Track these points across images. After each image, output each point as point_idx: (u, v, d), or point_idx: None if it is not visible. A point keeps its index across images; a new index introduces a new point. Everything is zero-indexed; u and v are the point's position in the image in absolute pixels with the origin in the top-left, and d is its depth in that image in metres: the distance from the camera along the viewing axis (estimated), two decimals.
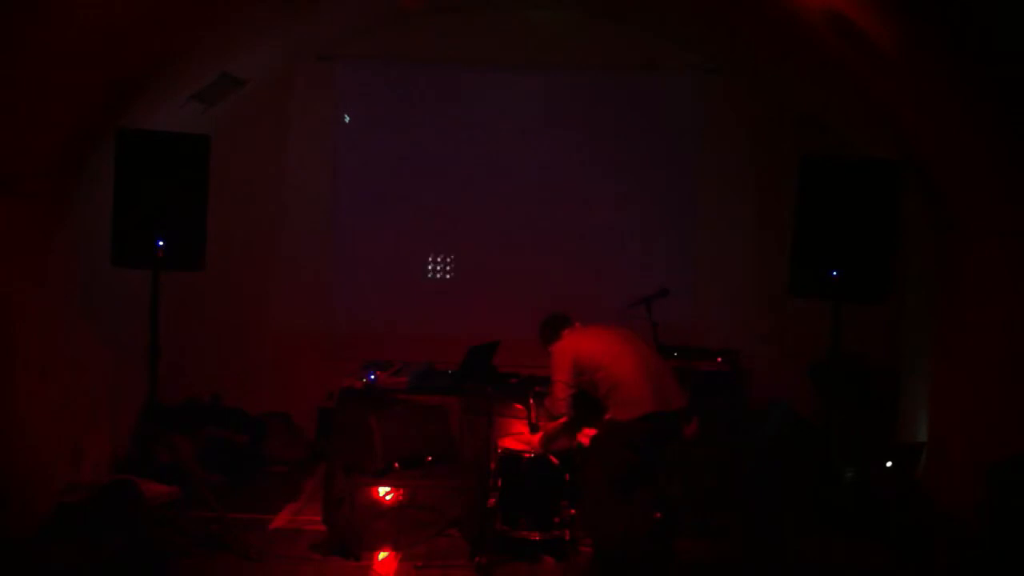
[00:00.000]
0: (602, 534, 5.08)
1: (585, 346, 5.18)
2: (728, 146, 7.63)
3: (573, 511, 5.31)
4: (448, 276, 7.75)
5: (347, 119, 7.73)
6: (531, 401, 5.61)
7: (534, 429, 5.55)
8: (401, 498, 5.95)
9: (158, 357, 5.89)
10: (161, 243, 5.65)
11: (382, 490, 5.89)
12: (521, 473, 5.33)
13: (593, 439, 5.23)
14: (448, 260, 7.76)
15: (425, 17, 7.40)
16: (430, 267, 7.76)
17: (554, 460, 5.34)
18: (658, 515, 5.25)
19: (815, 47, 5.75)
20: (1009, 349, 5.35)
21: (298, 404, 7.44)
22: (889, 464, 6.20)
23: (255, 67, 7.01)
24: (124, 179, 5.63)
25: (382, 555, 5.38)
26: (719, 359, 6.86)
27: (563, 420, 5.26)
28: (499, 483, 5.30)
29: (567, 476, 5.32)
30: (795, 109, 7.30)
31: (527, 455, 5.38)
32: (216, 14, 5.76)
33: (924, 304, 6.44)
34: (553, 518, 5.29)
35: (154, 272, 5.78)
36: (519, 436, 5.66)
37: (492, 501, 5.22)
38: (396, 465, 5.81)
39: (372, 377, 5.74)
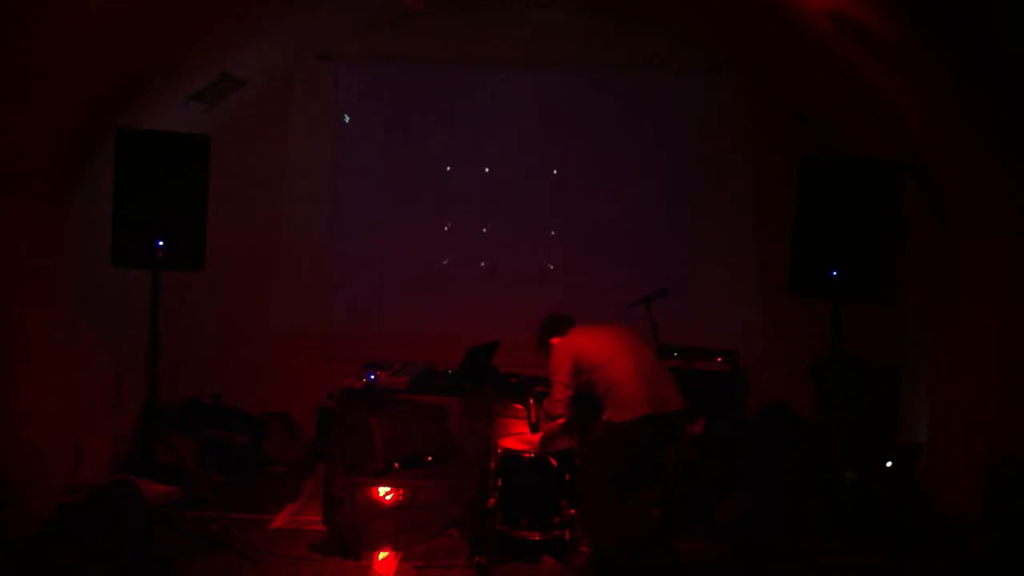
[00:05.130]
0: (601, 534, 5.08)
1: (584, 346, 5.18)
2: (728, 146, 7.62)
3: (573, 511, 5.31)
4: (448, 276, 7.74)
5: (347, 119, 7.72)
6: (531, 401, 5.61)
7: (534, 429, 5.55)
8: (401, 498, 5.96)
9: (158, 357, 5.90)
10: (161, 243, 5.66)
11: (382, 490, 5.90)
12: (521, 473, 5.33)
13: (592, 439, 5.23)
14: (448, 260, 7.76)
15: (425, 17, 7.39)
16: (430, 267, 7.75)
17: (554, 461, 5.34)
18: (658, 514, 5.25)
19: (815, 47, 5.75)
20: (1009, 349, 5.36)
21: (298, 404, 7.44)
22: (889, 464, 6.20)
23: (255, 67, 7.01)
24: (124, 179, 5.63)
25: (382, 555, 5.38)
26: (719, 359, 6.86)
27: (561, 421, 5.27)
28: (499, 483, 5.30)
29: (567, 476, 5.32)
30: (795, 109, 7.30)
31: (527, 455, 5.38)
32: (216, 14, 5.77)
33: (924, 304, 6.44)
34: (553, 518, 5.28)
35: (154, 272, 5.78)
36: (519, 436, 5.66)
37: (492, 501, 5.22)
38: (396, 465, 5.81)
39: (372, 377, 5.73)
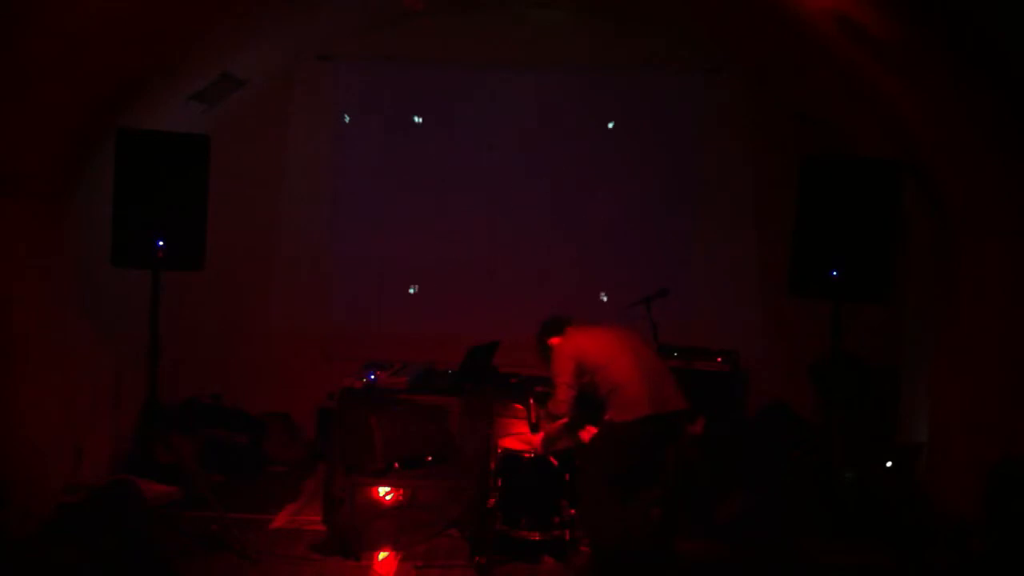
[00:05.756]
0: (601, 534, 5.08)
1: (586, 346, 5.18)
2: (728, 146, 7.62)
3: (573, 511, 5.31)
4: (448, 275, 7.74)
5: (347, 119, 7.73)
6: (531, 401, 5.61)
7: (534, 429, 5.55)
8: (401, 498, 5.96)
9: (158, 357, 5.90)
10: (161, 243, 5.66)
11: (382, 490, 5.90)
12: (521, 473, 5.33)
13: (593, 440, 5.23)
14: (448, 260, 7.75)
15: (425, 17, 7.39)
16: (430, 267, 7.74)
17: (554, 461, 5.34)
18: (657, 514, 5.25)
19: (815, 47, 5.75)
20: (1009, 349, 5.35)
21: (298, 404, 7.44)
22: (889, 464, 6.20)
23: (255, 67, 7.01)
24: (124, 179, 5.64)
25: (382, 555, 5.38)
26: (719, 359, 6.86)
27: (564, 421, 5.27)
28: (499, 483, 5.30)
29: (567, 476, 5.32)
30: (795, 109, 7.30)
31: (527, 455, 5.38)
32: (216, 14, 5.77)
33: (924, 304, 6.44)
34: (553, 518, 5.28)
35: (154, 272, 5.79)
36: (520, 436, 5.66)
37: (492, 501, 5.22)
38: (396, 465, 5.81)
39: (372, 377, 5.74)
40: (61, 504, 5.09)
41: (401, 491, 5.95)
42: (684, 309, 7.33)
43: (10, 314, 5.22)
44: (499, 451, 5.42)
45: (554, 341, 5.30)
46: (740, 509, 5.80)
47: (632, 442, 5.00)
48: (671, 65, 7.60)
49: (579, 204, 7.69)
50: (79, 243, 5.85)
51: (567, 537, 5.31)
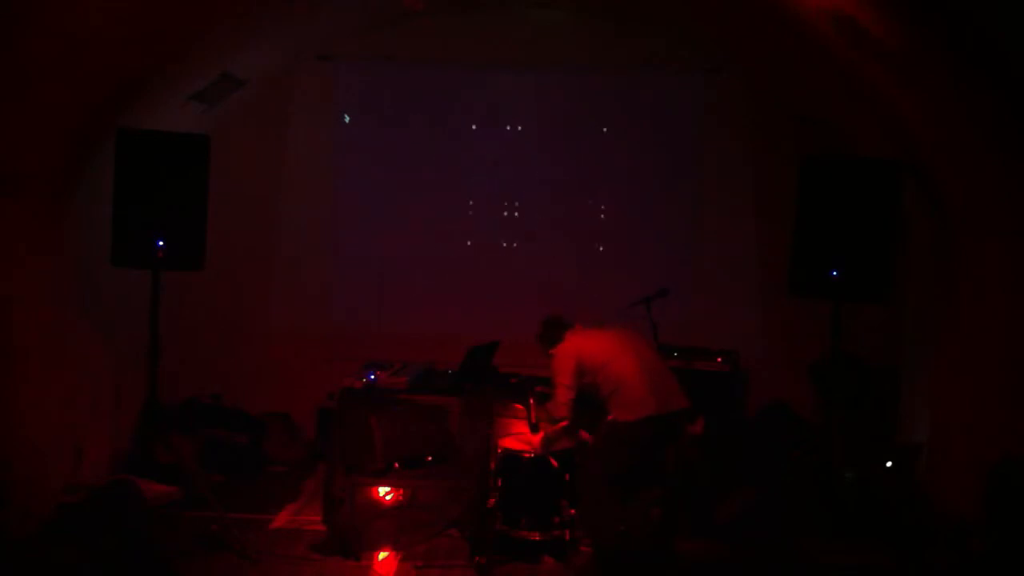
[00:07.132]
0: (601, 534, 5.08)
1: (587, 347, 5.18)
2: (728, 146, 7.62)
3: (573, 511, 5.31)
4: (448, 276, 7.74)
5: (347, 119, 7.72)
6: (531, 401, 5.61)
7: (534, 429, 5.55)
8: (401, 498, 5.96)
9: (158, 357, 5.90)
10: (161, 243, 5.66)
11: (382, 490, 5.90)
12: (521, 473, 5.33)
13: (595, 439, 5.23)
14: (448, 260, 7.75)
15: (425, 17, 7.39)
16: (430, 267, 7.74)
17: (554, 461, 5.34)
18: (657, 514, 5.25)
19: (815, 47, 5.75)
20: (1009, 349, 5.35)
21: (298, 404, 7.44)
22: (889, 464, 6.20)
23: (255, 67, 7.01)
24: (124, 179, 5.64)
25: (382, 555, 5.38)
26: (719, 359, 6.86)
27: (564, 424, 5.27)
28: (499, 483, 5.30)
29: (567, 476, 5.32)
30: (795, 109, 7.30)
31: (527, 455, 5.38)
32: (216, 14, 5.77)
33: (924, 304, 6.44)
34: (553, 518, 5.28)
35: (154, 272, 5.79)
36: (519, 436, 5.66)
37: (492, 501, 5.22)
38: (396, 465, 5.81)
39: (372, 377, 5.74)
40: (61, 504, 5.09)
41: (401, 491, 5.95)
42: (684, 309, 7.33)
43: (10, 314, 5.22)
44: (499, 451, 5.43)
45: (552, 351, 5.29)
46: (740, 509, 5.79)
47: (633, 442, 5.01)
48: (671, 65, 7.60)
49: (579, 204, 7.70)
50: (79, 243, 5.85)
51: (567, 537, 5.31)
